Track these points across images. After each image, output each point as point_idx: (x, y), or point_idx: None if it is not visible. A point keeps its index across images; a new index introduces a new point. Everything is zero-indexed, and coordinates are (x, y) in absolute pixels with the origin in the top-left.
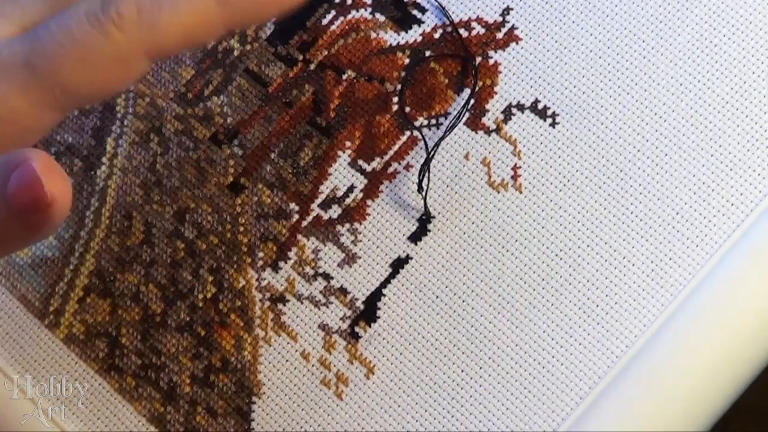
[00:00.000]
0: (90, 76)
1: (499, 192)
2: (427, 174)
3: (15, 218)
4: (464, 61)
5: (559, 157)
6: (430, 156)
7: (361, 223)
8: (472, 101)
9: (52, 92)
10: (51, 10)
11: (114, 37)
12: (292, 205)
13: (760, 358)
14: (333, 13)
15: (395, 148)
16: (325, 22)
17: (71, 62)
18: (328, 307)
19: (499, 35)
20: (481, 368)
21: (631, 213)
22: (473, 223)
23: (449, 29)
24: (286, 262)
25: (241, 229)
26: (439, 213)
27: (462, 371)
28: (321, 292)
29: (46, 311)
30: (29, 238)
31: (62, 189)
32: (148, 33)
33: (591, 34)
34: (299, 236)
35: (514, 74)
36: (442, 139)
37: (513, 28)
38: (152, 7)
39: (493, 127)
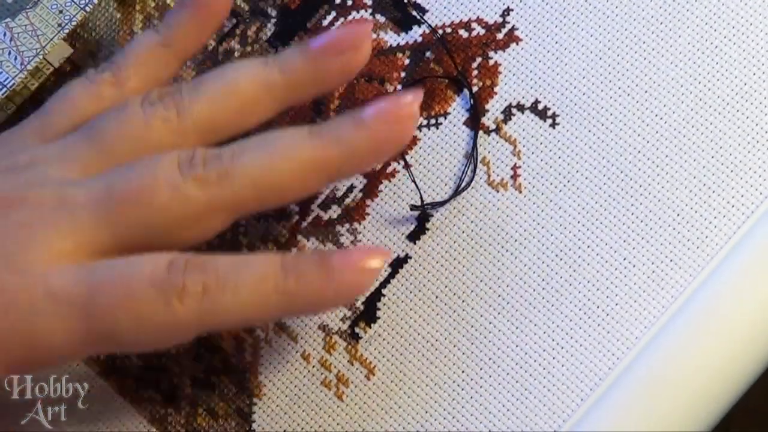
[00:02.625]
0: (141, 334)
1: (498, 191)
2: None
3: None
4: (463, 63)
5: (559, 157)
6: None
7: (360, 223)
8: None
9: (99, 340)
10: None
11: (174, 308)
12: (292, 206)
13: (761, 359)
14: (333, 14)
15: None
16: (325, 23)
17: (127, 319)
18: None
19: (500, 36)
20: (481, 369)
21: (632, 214)
22: (472, 222)
23: (449, 30)
24: None
25: (242, 230)
26: (438, 212)
27: (462, 372)
28: None
29: None
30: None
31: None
32: (208, 313)
33: (591, 35)
34: (299, 237)
35: (514, 75)
36: (448, 200)
37: (513, 28)
38: (216, 287)
39: (493, 127)
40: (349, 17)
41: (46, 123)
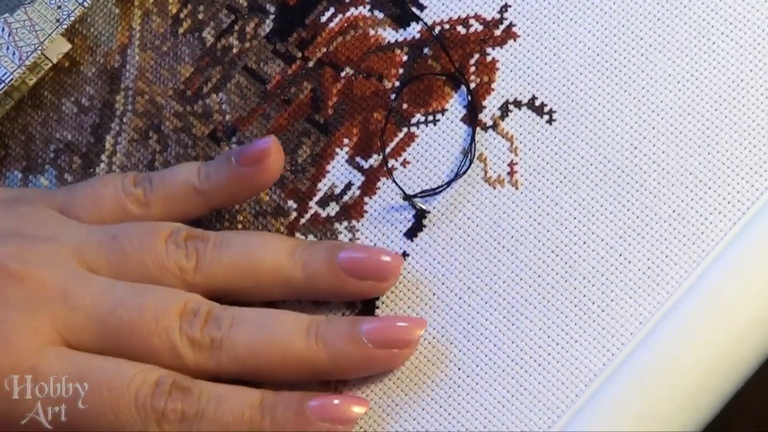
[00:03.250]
0: None
1: (495, 188)
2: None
3: None
4: (461, 60)
5: (556, 153)
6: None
7: (358, 221)
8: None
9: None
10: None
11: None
12: (290, 203)
13: (756, 356)
14: (332, 10)
15: (393, 144)
16: (324, 19)
17: (104, 427)
18: (326, 305)
19: (497, 32)
20: (477, 365)
21: (628, 210)
22: (469, 218)
23: (447, 26)
24: None
25: (240, 227)
26: (435, 208)
27: (458, 369)
28: None
29: None
30: None
31: None
32: None
33: (589, 32)
34: (297, 234)
35: (511, 71)
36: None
37: (511, 25)
38: (195, 416)
39: (490, 123)
40: (347, 13)
41: (70, 204)
